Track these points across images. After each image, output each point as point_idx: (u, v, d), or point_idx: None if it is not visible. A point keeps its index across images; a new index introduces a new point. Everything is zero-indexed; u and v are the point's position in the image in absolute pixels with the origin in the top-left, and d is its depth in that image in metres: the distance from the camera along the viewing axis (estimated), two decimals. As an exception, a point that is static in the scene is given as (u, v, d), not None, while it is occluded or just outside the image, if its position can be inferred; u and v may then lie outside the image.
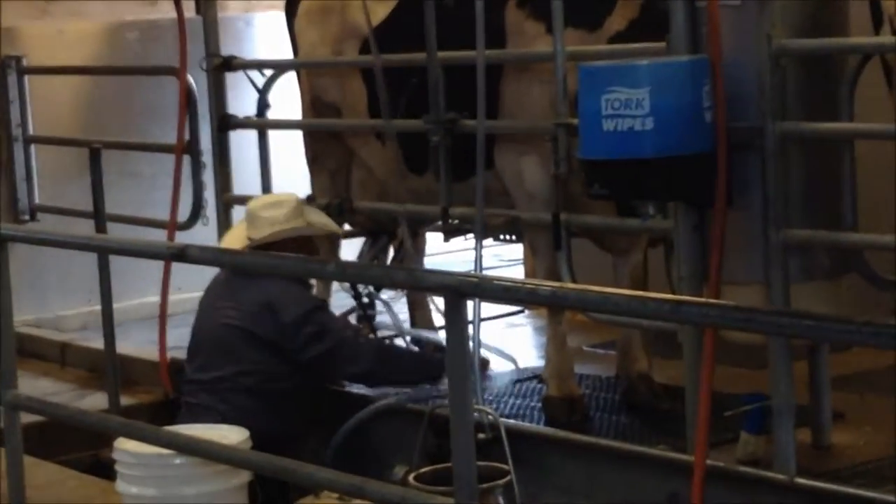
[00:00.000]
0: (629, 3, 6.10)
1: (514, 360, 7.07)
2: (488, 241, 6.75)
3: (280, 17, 7.85)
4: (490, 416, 5.59)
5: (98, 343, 7.62)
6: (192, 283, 8.41)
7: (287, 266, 5.18)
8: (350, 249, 7.90)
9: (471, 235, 6.49)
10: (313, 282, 6.91)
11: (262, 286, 6.36)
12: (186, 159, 7.53)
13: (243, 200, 7.61)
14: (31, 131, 9.02)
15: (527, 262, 8.84)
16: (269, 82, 7.61)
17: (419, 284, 4.54)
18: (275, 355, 6.34)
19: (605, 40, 6.08)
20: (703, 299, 4.93)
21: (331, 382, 6.70)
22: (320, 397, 6.60)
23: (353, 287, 7.08)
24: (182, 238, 7.34)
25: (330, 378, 6.66)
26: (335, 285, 7.62)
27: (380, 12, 6.90)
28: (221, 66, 7.52)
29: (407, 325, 7.36)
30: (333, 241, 7.37)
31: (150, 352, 7.71)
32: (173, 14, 7.40)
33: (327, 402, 6.68)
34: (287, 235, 6.43)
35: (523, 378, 7.03)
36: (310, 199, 7.19)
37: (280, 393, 6.32)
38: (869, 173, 5.65)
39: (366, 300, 7.07)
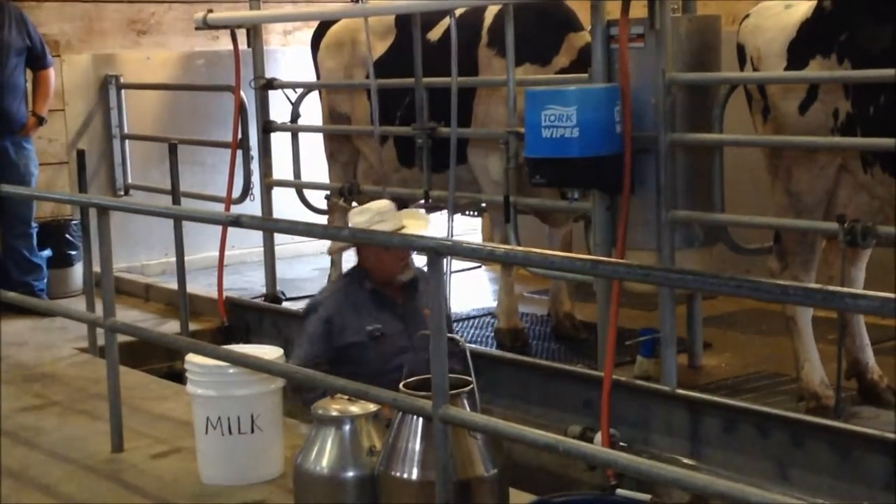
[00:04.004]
0: (571, 47, 6.07)
1: None
2: (456, 216, 6.71)
3: (306, 51, 7.81)
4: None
5: (173, 285, 7.55)
6: (242, 243, 8.44)
7: (315, 232, 5.15)
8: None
9: (444, 211, 6.47)
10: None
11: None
12: (239, 153, 7.49)
13: (280, 183, 7.60)
14: (125, 130, 8.92)
15: (484, 230, 8.81)
16: (300, 98, 7.58)
17: (409, 246, 4.52)
18: None
19: (552, 73, 6.04)
20: (612, 259, 4.93)
21: None
22: None
23: None
24: (235, 210, 7.32)
25: None
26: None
27: (380, 48, 6.85)
28: (265, 86, 7.47)
29: None
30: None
31: (210, 292, 7.68)
32: (231, 46, 7.35)
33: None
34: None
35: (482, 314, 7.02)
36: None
37: None
38: (733, 171, 5.65)
39: None
